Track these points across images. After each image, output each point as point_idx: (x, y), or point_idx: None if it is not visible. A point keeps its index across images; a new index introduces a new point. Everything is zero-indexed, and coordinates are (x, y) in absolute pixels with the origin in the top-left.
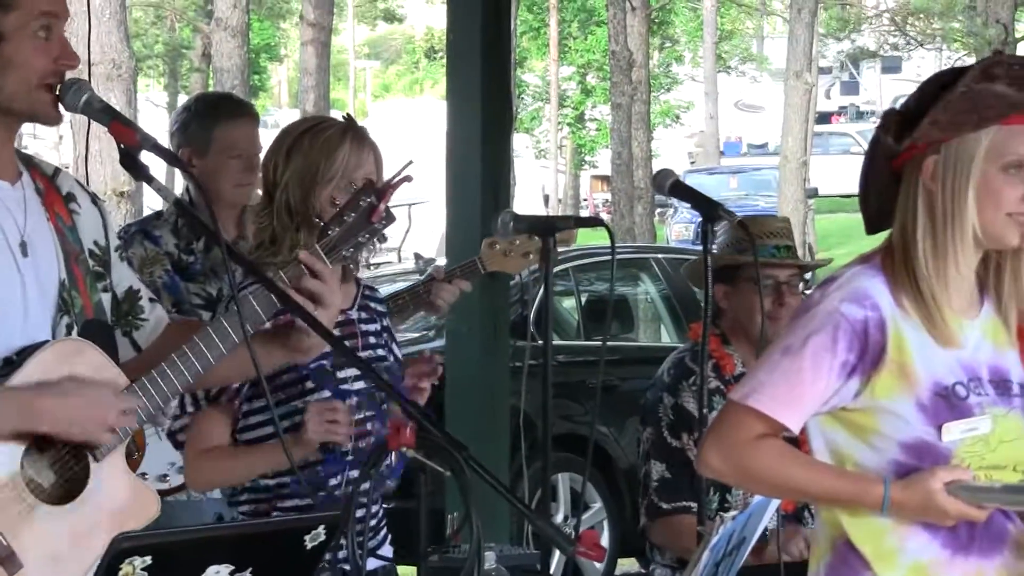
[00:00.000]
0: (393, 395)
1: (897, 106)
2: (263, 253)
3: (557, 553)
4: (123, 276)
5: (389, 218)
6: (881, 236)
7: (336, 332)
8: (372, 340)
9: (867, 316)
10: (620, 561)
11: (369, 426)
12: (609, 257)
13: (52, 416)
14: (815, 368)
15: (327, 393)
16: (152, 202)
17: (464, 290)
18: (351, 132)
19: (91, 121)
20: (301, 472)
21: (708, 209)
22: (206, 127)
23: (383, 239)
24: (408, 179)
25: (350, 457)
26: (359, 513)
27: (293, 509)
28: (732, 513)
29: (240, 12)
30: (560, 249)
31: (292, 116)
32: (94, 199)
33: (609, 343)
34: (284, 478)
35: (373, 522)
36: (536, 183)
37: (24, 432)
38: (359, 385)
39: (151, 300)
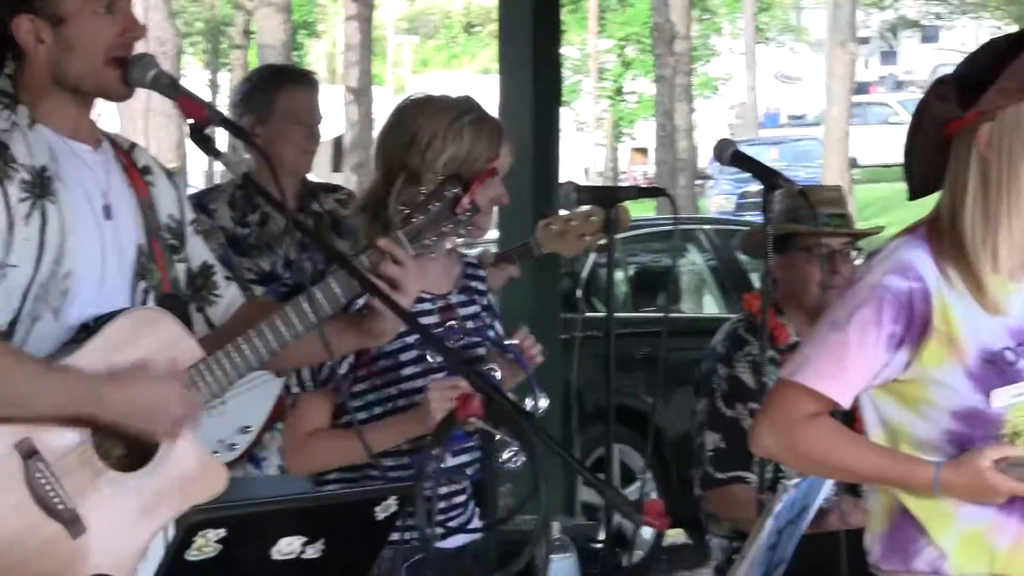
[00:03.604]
0: (464, 369)
1: (943, 74)
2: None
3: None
4: (198, 250)
5: (474, 210)
6: (923, 203)
7: (435, 317)
8: (469, 324)
9: (911, 287)
10: (667, 532)
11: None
12: (657, 228)
13: (116, 408)
14: (861, 341)
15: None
16: (195, 180)
17: (513, 275)
18: (500, 127)
19: (148, 99)
20: (377, 459)
21: (769, 178)
22: (268, 94)
23: (465, 232)
24: (495, 173)
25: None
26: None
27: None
28: (795, 480)
29: None
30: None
31: (332, 92)
32: (169, 174)
33: (656, 315)
34: (394, 459)
35: (463, 498)
36: (576, 156)
37: (85, 418)
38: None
39: (227, 278)
